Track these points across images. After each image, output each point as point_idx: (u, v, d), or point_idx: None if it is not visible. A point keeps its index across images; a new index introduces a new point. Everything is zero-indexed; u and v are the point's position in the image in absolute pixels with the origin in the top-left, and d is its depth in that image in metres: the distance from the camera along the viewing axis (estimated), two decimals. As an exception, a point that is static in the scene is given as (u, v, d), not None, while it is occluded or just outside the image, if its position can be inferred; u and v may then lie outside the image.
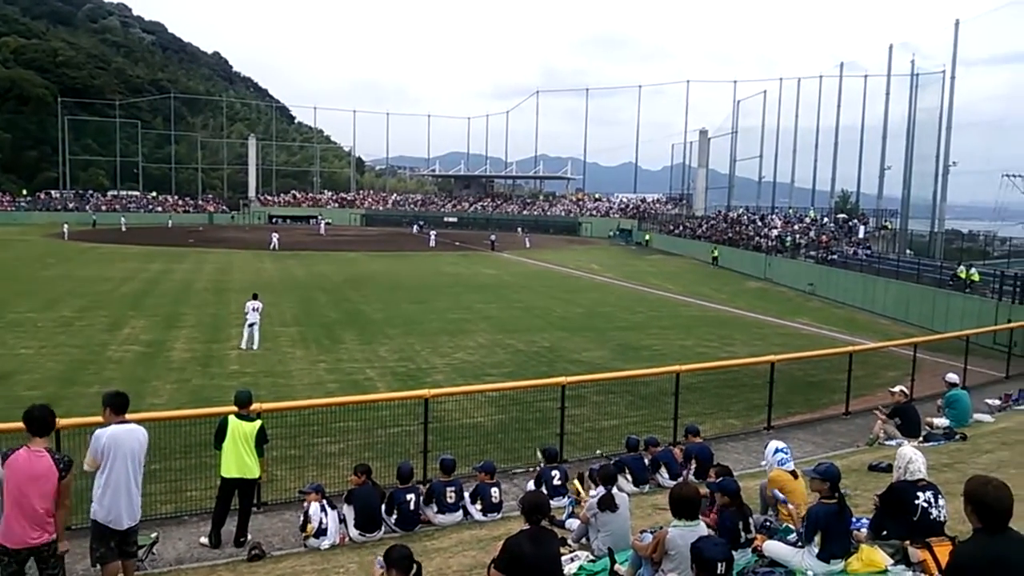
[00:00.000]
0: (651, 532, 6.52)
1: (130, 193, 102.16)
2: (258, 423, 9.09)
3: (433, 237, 71.27)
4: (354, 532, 9.06)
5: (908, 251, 45.01)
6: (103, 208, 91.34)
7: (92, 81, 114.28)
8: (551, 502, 7.90)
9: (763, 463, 8.86)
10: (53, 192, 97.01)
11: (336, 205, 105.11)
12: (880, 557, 6.29)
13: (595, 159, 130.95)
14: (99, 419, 7.10)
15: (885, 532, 6.69)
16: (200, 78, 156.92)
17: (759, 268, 50.34)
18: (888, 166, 52.93)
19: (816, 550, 6.38)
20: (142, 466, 6.94)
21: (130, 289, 34.80)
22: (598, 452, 12.71)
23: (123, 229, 75.58)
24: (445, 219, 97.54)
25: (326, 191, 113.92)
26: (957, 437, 12.58)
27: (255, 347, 22.19)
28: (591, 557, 7.27)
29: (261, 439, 9.02)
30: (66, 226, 67.90)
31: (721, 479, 7.67)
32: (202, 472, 10.07)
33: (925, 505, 6.47)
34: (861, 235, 48.28)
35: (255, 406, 9.43)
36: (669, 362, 18.51)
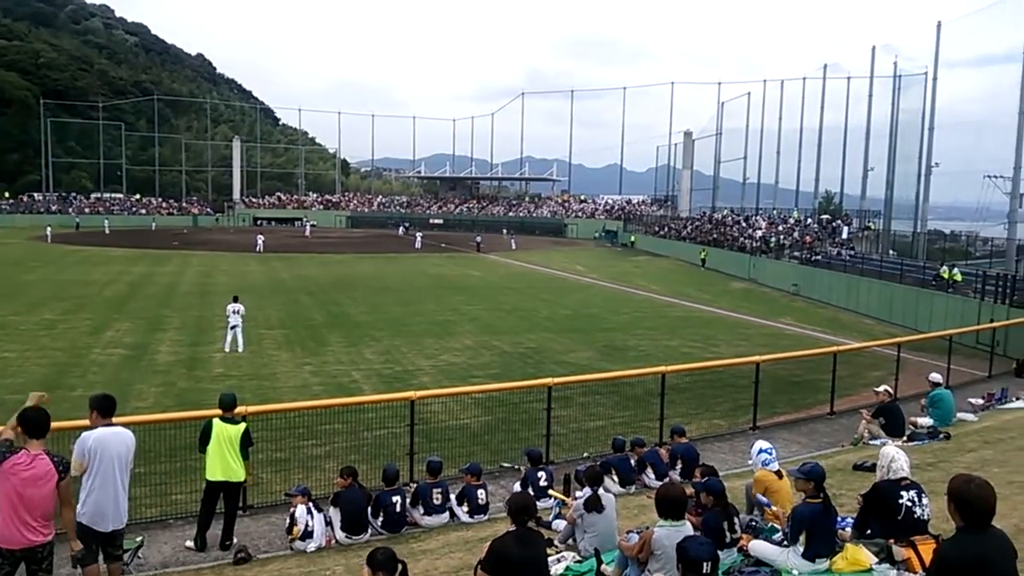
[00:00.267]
0: (637, 532, 6.54)
1: (114, 196, 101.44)
2: (243, 426, 9.06)
3: (419, 239, 71.15)
4: (340, 535, 9.04)
5: (891, 251, 45.33)
6: (86, 211, 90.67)
7: (75, 83, 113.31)
8: (537, 503, 7.91)
9: (749, 462, 8.90)
10: (36, 195, 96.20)
11: (321, 207, 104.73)
12: (865, 556, 6.33)
13: (580, 161, 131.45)
14: (84, 422, 7.06)
15: (869, 531, 6.72)
16: (184, 80, 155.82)
17: (743, 269, 50.56)
18: (871, 167, 53.24)
19: (801, 549, 6.41)
20: (129, 469, 6.91)
21: (114, 292, 34.55)
22: (584, 455, 12.73)
23: (107, 232, 74.99)
24: (431, 221, 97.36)
25: (311, 193, 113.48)
26: (941, 436, 12.68)
27: (240, 350, 22.08)
28: (578, 558, 7.28)
29: (246, 442, 8.99)
30: (49, 229, 67.42)
31: (706, 479, 7.70)
32: (187, 475, 10.02)
33: (909, 504, 6.51)
34: (845, 236, 48.58)
35: (240, 409, 9.40)
36: (655, 363, 18.59)
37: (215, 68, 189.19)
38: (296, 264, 50.46)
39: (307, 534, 8.82)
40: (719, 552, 6.02)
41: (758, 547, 6.83)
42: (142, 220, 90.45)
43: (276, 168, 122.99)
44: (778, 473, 8.01)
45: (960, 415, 14.63)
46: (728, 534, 6.84)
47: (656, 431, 13.47)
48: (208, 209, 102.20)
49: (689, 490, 7.71)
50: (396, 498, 9.37)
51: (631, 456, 11.23)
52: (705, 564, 5.45)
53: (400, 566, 5.30)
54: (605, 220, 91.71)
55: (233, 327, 22.31)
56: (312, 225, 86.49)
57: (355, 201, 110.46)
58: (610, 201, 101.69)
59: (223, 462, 8.80)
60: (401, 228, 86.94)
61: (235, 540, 8.91)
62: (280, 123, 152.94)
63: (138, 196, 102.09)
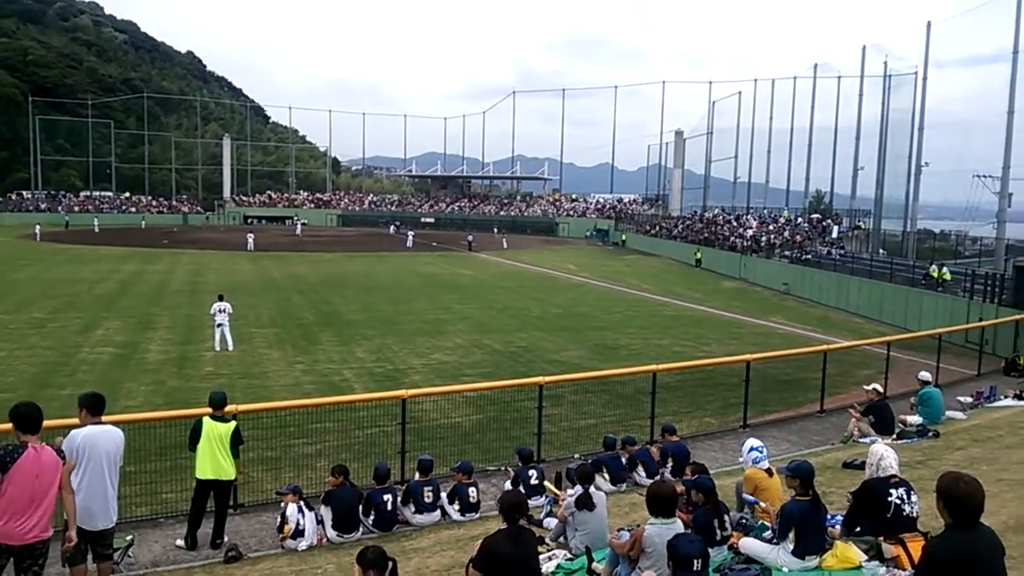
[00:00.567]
0: (628, 530, 6.56)
1: (103, 194, 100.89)
2: (233, 424, 9.03)
3: (411, 238, 71.05)
4: (332, 533, 9.03)
5: (881, 250, 45.55)
6: (75, 209, 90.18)
7: (64, 80, 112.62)
8: (529, 501, 7.92)
9: (739, 460, 8.93)
10: (24, 193, 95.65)
11: (312, 206, 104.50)
12: (854, 553, 6.36)
13: (572, 160, 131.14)
14: (74, 420, 7.03)
15: (859, 529, 6.75)
16: (174, 77, 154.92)
17: (734, 268, 50.70)
18: (861, 166, 53.48)
19: (791, 547, 6.44)
20: (119, 468, 6.87)
21: (103, 290, 34.40)
22: (576, 456, 12.74)
23: (96, 230, 74.68)
24: (422, 220, 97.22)
25: (302, 191, 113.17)
26: (930, 434, 12.74)
27: (230, 348, 22.03)
28: (569, 556, 7.29)
29: (236, 440, 8.96)
30: (38, 227, 67.05)
31: (696, 476, 7.72)
32: (177, 474, 9.97)
33: (898, 501, 6.55)
34: (835, 235, 48.76)
35: (230, 407, 9.37)
36: (646, 361, 18.61)
37: (205, 66, 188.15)
38: (287, 263, 50.33)
39: (298, 533, 8.80)
40: (709, 550, 6.05)
41: (748, 544, 6.85)
42: (132, 218, 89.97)
43: (267, 166, 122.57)
44: (768, 471, 8.04)
45: (949, 413, 14.71)
46: (718, 531, 6.88)
47: (647, 429, 13.49)
48: (198, 207, 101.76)
49: (680, 488, 7.75)
50: (387, 496, 9.36)
51: (622, 454, 11.25)
52: (695, 561, 5.48)
53: (390, 564, 5.31)
54: (596, 219, 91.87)
55: (219, 326, 22.27)
56: (303, 224, 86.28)
57: (346, 200, 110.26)
58: (601, 200, 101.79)
59: (213, 460, 8.77)
60: (392, 227, 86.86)
61: (226, 539, 8.88)
62: (271, 121, 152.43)
63: (128, 194, 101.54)
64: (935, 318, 28.11)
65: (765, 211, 65.70)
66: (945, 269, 31.15)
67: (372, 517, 9.31)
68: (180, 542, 8.86)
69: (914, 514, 6.59)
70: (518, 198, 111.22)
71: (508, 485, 10.07)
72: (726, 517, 7.12)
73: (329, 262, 52.12)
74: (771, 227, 55.73)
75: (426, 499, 9.61)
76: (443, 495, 9.83)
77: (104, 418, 6.99)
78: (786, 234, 51.72)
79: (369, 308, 31.37)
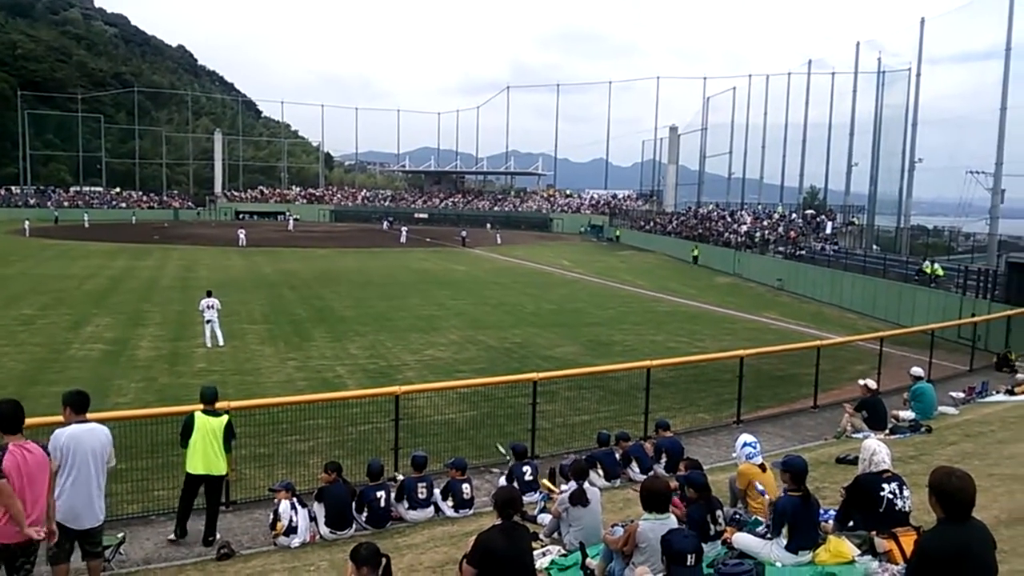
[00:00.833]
0: (622, 526, 6.56)
1: (93, 189, 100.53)
2: (225, 418, 9.00)
3: (404, 233, 70.93)
4: (325, 530, 9.01)
5: (875, 246, 45.62)
6: (65, 204, 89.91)
7: (53, 74, 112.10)
8: (523, 497, 7.90)
9: (733, 456, 8.94)
10: (13, 188, 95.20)
11: (305, 201, 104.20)
12: (847, 548, 6.37)
13: (566, 155, 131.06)
14: (61, 419, 6.96)
15: (852, 523, 6.77)
16: (164, 71, 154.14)
17: (729, 264, 50.74)
18: (855, 162, 53.62)
19: (784, 542, 6.45)
20: (107, 466, 6.81)
21: (94, 286, 34.25)
22: (570, 453, 12.73)
23: (86, 225, 74.30)
24: (416, 215, 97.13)
25: (294, 187, 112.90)
26: (922, 429, 12.77)
27: (220, 343, 21.97)
28: (563, 551, 7.29)
29: (229, 434, 8.93)
30: (27, 223, 66.71)
31: (689, 472, 7.73)
32: (169, 471, 9.93)
33: (890, 496, 6.57)
34: (829, 231, 48.83)
35: (222, 404, 9.33)
36: (640, 357, 18.63)
37: (196, 60, 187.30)
38: (279, 258, 50.19)
39: (291, 529, 8.78)
40: (703, 545, 6.05)
41: (742, 539, 6.86)
42: (122, 214, 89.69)
43: (258, 161, 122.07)
44: (762, 466, 8.06)
45: (941, 408, 14.73)
46: (712, 527, 6.89)
47: (641, 425, 13.50)
48: (189, 203, 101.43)
49: (674, 483, 7.75)
50: (380, 493, 9.34)
51: (616, 450, 11.26)
52: (689, 556, 5.48)
53: (384, 561, 5.29)
54: (591, 215, 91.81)
55: (208, 322, 22.22)
56: (295, 219, 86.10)
57: (339, 195, 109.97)
58: (596, 196, 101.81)
59: (205, 455, 8.73)
60: (386, 222, 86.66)
61: (218, 536, 8.85)
62: (262, 116, 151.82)
63: (118, 189, 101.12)
64: (928, 314, 28.18)
65: (759, 207, 65.77)
66: (938, 265, 31.23)
67: (365, 514, 9.29)
68: (171, 536, 8.82)
69: (906, 508, 6.61)
70: (512, 194, 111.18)
71: (502, 481, 10.07)
72: (719, 512, 7.13)
73: (322, 258, 52.00)
74: (765, 223, 55.78)
75: (420, 495, 9.60)
76: (436, 491, 9.82)
77: (94, 415, 6.94)
78: (780, 230, 51.77)
79: (362, 304, 31.30)
